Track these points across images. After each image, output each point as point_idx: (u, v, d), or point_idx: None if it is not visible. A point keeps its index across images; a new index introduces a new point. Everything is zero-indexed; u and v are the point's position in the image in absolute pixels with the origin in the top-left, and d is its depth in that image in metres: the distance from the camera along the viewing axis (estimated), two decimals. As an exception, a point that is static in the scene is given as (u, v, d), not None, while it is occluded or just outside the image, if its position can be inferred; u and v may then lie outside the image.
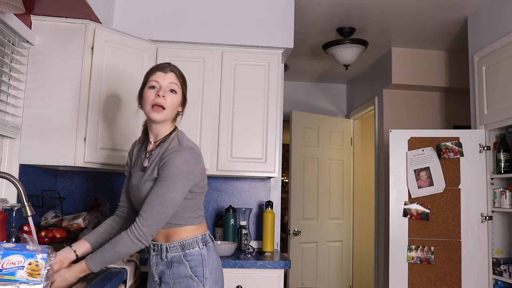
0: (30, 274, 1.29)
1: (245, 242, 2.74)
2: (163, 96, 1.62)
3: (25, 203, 1.66)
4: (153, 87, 1.64)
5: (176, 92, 1.66)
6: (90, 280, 1.63)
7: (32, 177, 2.42)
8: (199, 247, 1.66)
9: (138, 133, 2.62)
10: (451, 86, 4.01)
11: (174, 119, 1.72)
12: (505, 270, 2.69)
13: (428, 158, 2.98)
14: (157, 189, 1.57)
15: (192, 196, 1.66)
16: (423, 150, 3.00)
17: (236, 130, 2.76)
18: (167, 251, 1.66)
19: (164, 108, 1.62)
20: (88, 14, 2.34)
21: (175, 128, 1.74)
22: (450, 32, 3.58)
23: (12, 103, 2.24)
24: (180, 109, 1.72)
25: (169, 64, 1.71)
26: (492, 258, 2.82)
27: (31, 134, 2.30)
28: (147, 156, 1.70)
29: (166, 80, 1.64)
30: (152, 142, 1.71)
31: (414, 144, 3.02)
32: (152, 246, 1.70)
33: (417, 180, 2.99)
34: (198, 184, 1.65)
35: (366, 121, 4.93)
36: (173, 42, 2.80)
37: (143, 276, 2.08)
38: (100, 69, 2.44)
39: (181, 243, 1.65)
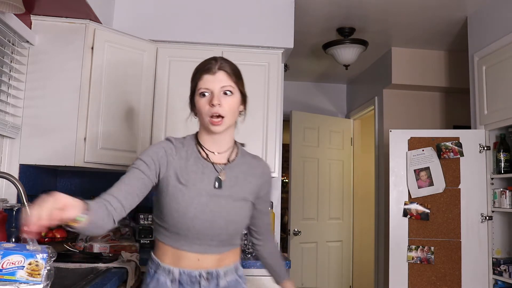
0: (30, 274, 1.29)
1: (245, 242, 2.74)
2: (219, 104, 1.38)
3: (25, 203, 1.66)
4: (203, 94, 1.41)
5: (232, 93, 1.42)
6: (90, 280, 1.63)
7: (32, 177, 2.42)
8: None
9: (138, 132, 2.63)
10: (451, 86, 4.00)
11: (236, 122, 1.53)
12: (505, 270, 2.68)
13: (428, 158, 2.98)
14: (267, 217, 1.65)
15: None
16: (423, 150, 3.00)
17: (236, 130, 2.75)
18: (225, 276, 1.47)
19: (223, 117, 1.40)
20: (88, 14, 2.34)
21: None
22: (450, 32, 3.58)
23: (12, 103, 2.24)
24: (241, 108, 1.51)
25: (215, 60, 1.45)
26: (492, 258, 2.81)
27: (31, 134, 2.30)
28: (221, 168, 1.46)
29: (217, 83, 1.40)
30: (216, 153, 1.48)
31: (414, 144, 3.02)
32: (202, 274, 1.42)
33: (417, 180, 2.99)
34: None
35: (366, 121, 4.93)
36: (173, 42, 2.80)
37: (143, 276, 2.07)
38: (100, 69, 2.44)
39: (236, 265, 1.53)
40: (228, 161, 1.49)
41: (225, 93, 1.41)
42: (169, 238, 1.42)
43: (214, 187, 1.42)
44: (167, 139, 1.48)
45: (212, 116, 1.39)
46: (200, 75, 1.43)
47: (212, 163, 1.46)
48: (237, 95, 1.45)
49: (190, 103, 1.49)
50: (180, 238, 1.40)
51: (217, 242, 1.43)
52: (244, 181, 1.49)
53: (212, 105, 1.38)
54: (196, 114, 1.49)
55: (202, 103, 1.41)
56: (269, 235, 1.68)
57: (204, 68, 1.44)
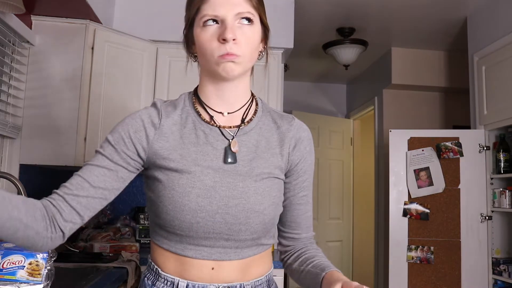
0: (31, 274, 1.29)
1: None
2: (233, 40, 0.91)
3: (25, 203, 1.65)
4: (207, 24, 0.93)
5: (252, 22, 0.96)
6: (90, 280, 1.63)
7: (32, 177, 2.42)
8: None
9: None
10: (451, 86, 4.01)
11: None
12: (504, 270, 2.69)
13: (428, 158, 2.98)
14: (309, 205, 1.10)
15: None
16: (423, 150, 3.00)
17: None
18: None
19: (238, 56, 0.92)
20: (88, 14, 2.34)
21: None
22: (450, 32, 3.58)
23: (13, 103, 2.25)
24: (260, 47, 1.04)
25: None
26: (492, 258, 2.82)
27: (31, 134, 2.30)
28: (233, 134, 1.00)
29: (231, 8, 0.92)
30: (225, 113, 1.02)
31: (414, 144, 3.02)
32: None
33: (417, 180, 2.99)
34: None
35: (366, 121, 4.93)
36: (173, 42, 2.79)
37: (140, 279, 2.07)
38: (100, 69, 2.44)
39: (268, 276, 1.07)
40: (243, 122, 1.02)
41: (242, 23, 0.94)
42: (167, 239, 0.99)
43: (225, 162, 0.97)
44: (153, 103, 1.07)
45: (223, 57, 0.91)
46: None
47: (219, 127, 1.00)
48: (258, 26, 0.99)
49: (186, 41, 1.02)
50: (182, 240, 0.97)
51: (235, 242, 0.97)
52: (267, 151, 1.01)
53: (224, 40, 0.90)
54: (195, 57, 1.02)
55: (206, 37, 0.92)
56: (303, 241, 1.11)
57: None
